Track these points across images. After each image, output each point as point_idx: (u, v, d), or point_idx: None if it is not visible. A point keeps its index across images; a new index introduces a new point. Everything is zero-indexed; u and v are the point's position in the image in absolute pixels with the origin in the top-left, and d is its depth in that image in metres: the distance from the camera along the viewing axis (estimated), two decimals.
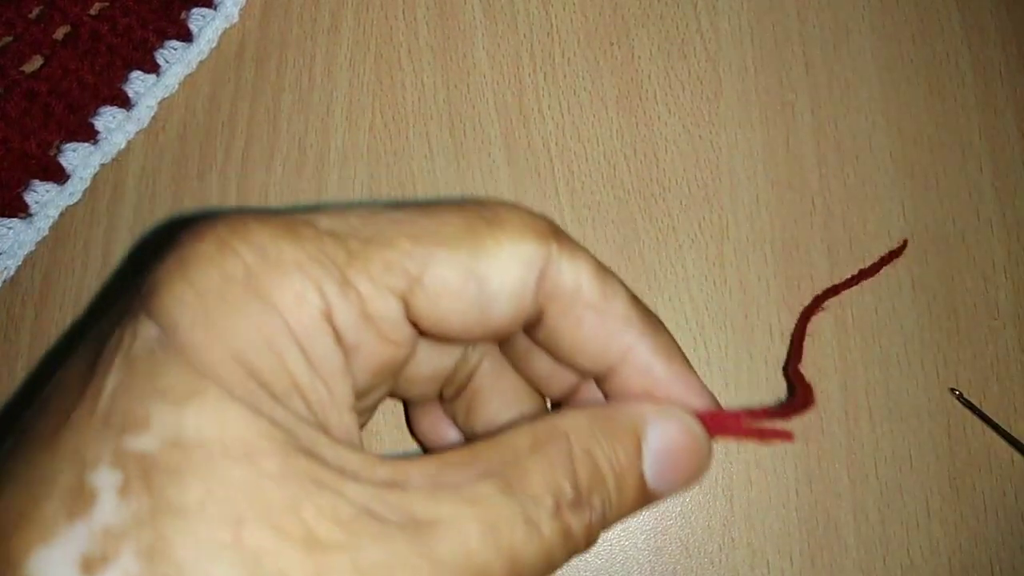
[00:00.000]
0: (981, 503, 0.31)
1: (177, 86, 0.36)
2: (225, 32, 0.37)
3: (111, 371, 0.16)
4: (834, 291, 0.32)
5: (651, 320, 0.22)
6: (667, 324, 0.32)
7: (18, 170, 0.34)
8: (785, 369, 0.31)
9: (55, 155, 0.34)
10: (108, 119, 0.35)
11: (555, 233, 0.20)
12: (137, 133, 0.35)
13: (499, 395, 0.25)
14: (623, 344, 0.21)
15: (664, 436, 0.21)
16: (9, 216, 0.33)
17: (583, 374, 0.23)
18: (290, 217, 0.19)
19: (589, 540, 0.19)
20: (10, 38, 0.35)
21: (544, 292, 0.20)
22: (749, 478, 0.31)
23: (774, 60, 0.36)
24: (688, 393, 0.22)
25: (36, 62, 0.35)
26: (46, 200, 0.34)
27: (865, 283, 0.33)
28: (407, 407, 0.29)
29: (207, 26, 0.36)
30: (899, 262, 0.33)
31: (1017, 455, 0.31)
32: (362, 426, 0.24)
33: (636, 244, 0.34)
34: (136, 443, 0.15)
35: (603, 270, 0.21)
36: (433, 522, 0.16)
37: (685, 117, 0.35)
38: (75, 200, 0.34)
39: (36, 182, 0.34)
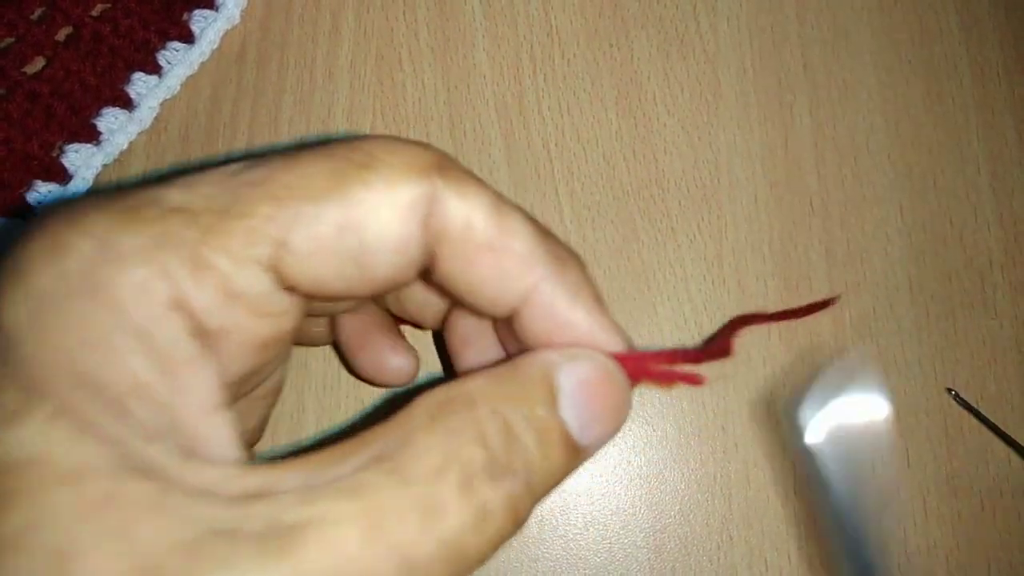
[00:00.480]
0: (978, 502, 0.31)
1: (179, 87, 0.36)
2: (226, 33, 0.37)
3: None
4: (756, 319, 0.30)
5: (558, 256, 0.20)
6: (666, 324, 0.33)
7: (20, 171, 0.34)
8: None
9: (57, 156, 0.34)
10: (110, 120, 0.35)
11: (439, 167, 0.18)
12: (139, 134, 0.36)
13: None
14: (524, 285, 0.19)
15: (577, 377, 0.19)
16: (12, 217, 0.34)
17: (490, 316, 0.21)
18: (135, 196, 0.17)
19: (517, 517, 0.16)
20: (12, 39, 0.35)
21: (431, 232, 0.18)
22: (747, 477, 0.31)
23: (773, 61, 0.36)
24: (597, 333, 0.20)
25: (38, 63, 0.35)
26: (48, 201, 0.34)
27: (863, 283, 0.33)
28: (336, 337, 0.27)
29: (209, 27, 0.36)
30: (897, 262, 0.34)
31: (1014, 454, 0.32)
32: (270, 407, 0.23)
33: (635, 244, 0.34)
34: None
35: (500, 204, 0.19)
36: (302, 527, 0.14)
37: (684, 118, 0.35)
38: None
39: (38, 183, 0.34)
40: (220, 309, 0.17)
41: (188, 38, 0.36)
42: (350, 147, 0.18)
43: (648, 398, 0.32)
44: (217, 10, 0.36)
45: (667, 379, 0.20)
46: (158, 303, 0.16)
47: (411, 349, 0.26)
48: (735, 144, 0.35)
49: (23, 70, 0.35)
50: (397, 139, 0.18)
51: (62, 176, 0.34)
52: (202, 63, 0.36)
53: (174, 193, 0.17)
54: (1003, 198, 0.34)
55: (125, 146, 0.35)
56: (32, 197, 0.34)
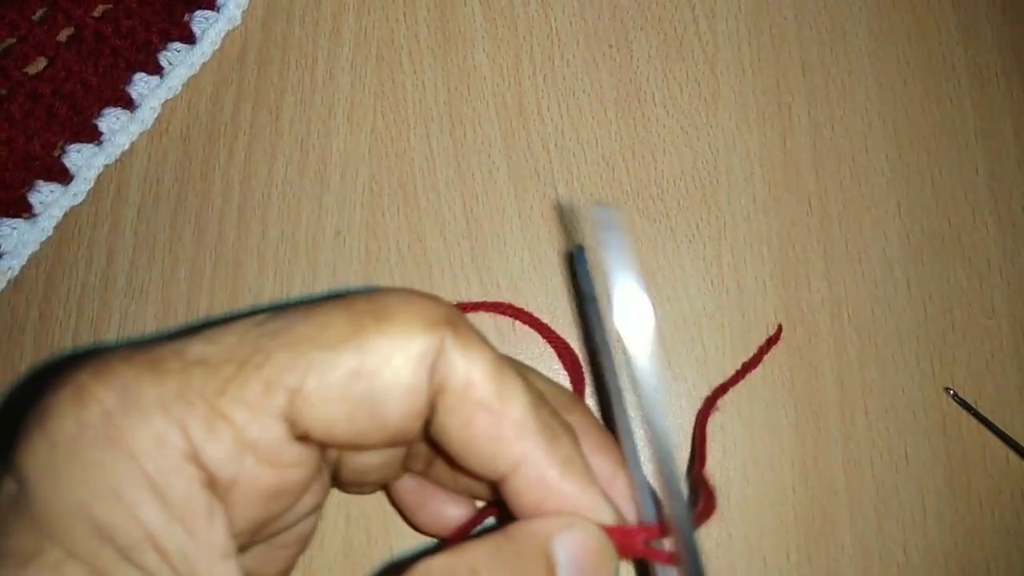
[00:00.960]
0: (976, 501, 0.31)
1: (180, 88, 0.36)
2: (228, 34, 0.37)
3: None
4: (723, 390, 0.31)
5: (550, 427, 0.20)
6: (665, 324, 0.33)
7: (22, 171, 0.34)
8: (689, 472, 0.30)
9: (59, 156, 0.34)
10: (112, 120, 0.35)
11: (449, 322, 0.19)
12: (140, 134, 0.36)
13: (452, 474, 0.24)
14: (516, 452, 0.19)
15: (572, 549, 0.19)
16: (13, 216, 0.34)
17: (477, 478, 0.21)
18: (159, 350, 0.18)
19: None
20: (14, 40, 0.35)
21: (433, 384, 0.19)
22: (746, 475, 0.31)
23: (771, 62, 0.36)
24: (588, 505, 0.20)
25: (40, 63, 0.35)
26: (50, 201, 0.34)
27: (861, 284, 0.34)
28: (390, 496, 0.28)
29: (210, 28, 0.36)
30: (895, 262, 0.34)
31: (1012, 454, 0.32)
32: (296, 555, 0.23)
33: (634, 244, 0.34)
34: None
35: (502, 368, 0.19)
36: None
37: (683, 119, 0.35)
38: (79, 201, 0.35)
39: (40, 183, 0.34)
40: (233, 460, 0.17)
41: (189, 39, 0.36)
42: (367, 300, 0.19)
43: None
44: (218, 11, 0.37)
45: (651, 557, 0.21)
46: (173, 455, 0.17)
47: (467, 499, 0.26)
48: (734, 144, 0.35)
49: (25, 70, 0.35)
50: (412, 292, 0.19)
51: (63, 176, 0.34)
52: (203, 63, 0.36)
53: (197, 345, 0.18)
54: (1001, 198, 0.35)
55: (126, 146, 0.35)
56: (34, 197, 0.34)
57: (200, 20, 0.36)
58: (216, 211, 0.35)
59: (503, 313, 0.32)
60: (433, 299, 0.19)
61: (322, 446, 0.19)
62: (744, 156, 0.35)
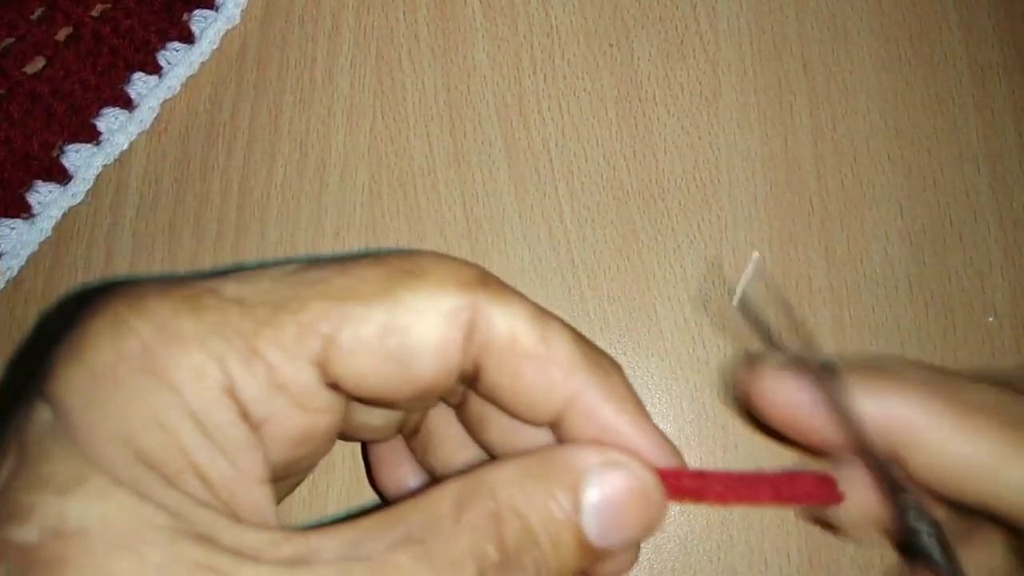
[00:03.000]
0: None
1: (179, 87, 0.36)
2: (227, 33, 0.37)
3: (6, 458, 0.16)
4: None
5: (600, 362, 0.20)
6: (665, 324, 0.33)
7: (21, 171, 0.34)
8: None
9: (57, 156, 0.34)
10: (110, 120, 0.35)
11: (482, 282, 0.19)
12: (139, 134, 0.36)
13: (450, 439, 0.24)
14: (568, 391, 0.19)
15: (607, 487, 0.18)
16: (12, 217, 0.34)
17: (533, 424, 0.21)
18: (194, 286, 0.18)
19: None
20: (12, 39, 0.35)
21: (477, 344, 0.19)
22: None
23: (773, 61, 0.36)
24: (642, 442, 0.20)
25: (38, 63, 0.35)
26: (49, 201, 0.34)
27: (862, 282, 0.33)
28: (365, 448, 0.28)
29: (209, 27, 0.36)
30: (897, 262, 0.34)
31: None
32: (290, 491, 0.24)
33: (635, 244, 0.34)
34: (17, 533, 0.15)
35: (541, 314, 0.20)
36: None
37: (684, 118, 0.35)
38: (78, 201, 0.35)
39: (39, 183, 0.34)
40: (267, 399, 0.18)
41: (188, 38, 0.36)
42: (402, 258, 0.19)
43: (649, 398, 0.32)
44: (217, 10, 0.36)
45: (712, 498, 0.20)
46: (212, 388, 0.17)
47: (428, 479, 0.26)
48: (735, 144, 0.35)
49: (23, 70, 0.35)
50: (445, 256, 0.20)
51: (62, 176, 0.34)
52: (202, 63, 0.36)
53: (233, 285, 0.18)
54: (1003, 198, 0.35)
55: (125, 146, 0.35)
56: (32, 197, 0.34)
57: (199, 19, 0.36)
58: (215, 211, 0.35)
59: None
60: (466, 262, 0.20)
61: (349, 396, 0.19)
62: (745, 156, 0.35)
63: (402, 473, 0.26)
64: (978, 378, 0.21)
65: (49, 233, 0.34)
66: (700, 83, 0.36)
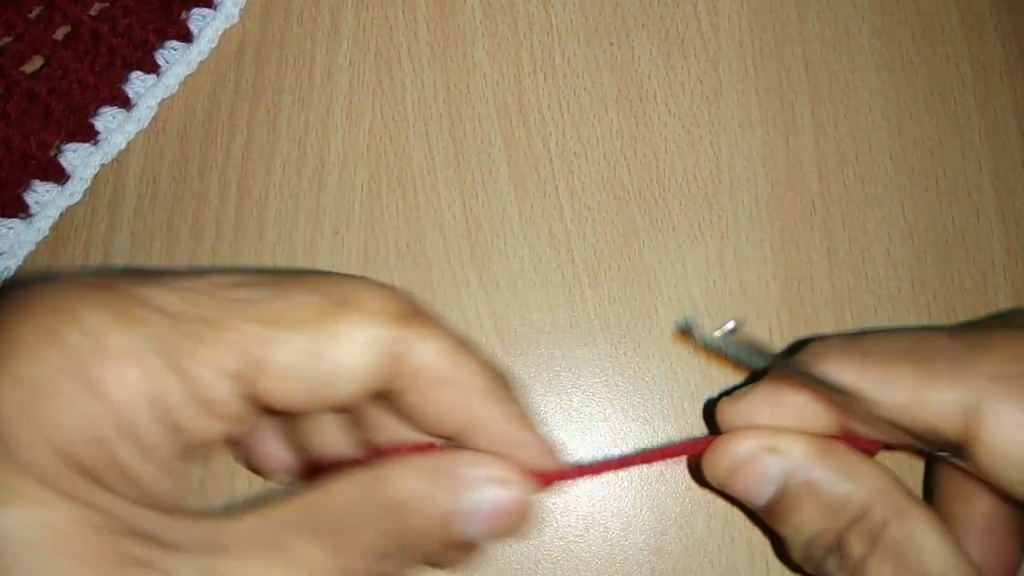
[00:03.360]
0: None
1: (177, 86, 0.36)
2: (225, 32, 0.36)
3: None
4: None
5: (502, 388, 0.23)
6: (666, 324, 0.33)
7: (18, 170, 0.34)
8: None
9: (55, 155, 0.34)
10: (108, 119, 0.35)
11: (408, 313, 0.21)
12: (137, 133, 0.35)
13: (330, 428, 0.26)
14: (474, 414, 0.22)
15: (483, 499, 0.22)
16: (9, 216, 0.33)
17: (432, 436, 0.24)
18: (127, 294, 0.19)
19: None
20: (10, 38, 0.35)
21: (397, 372, 0.21)
22: None
23: (774, 60, 0.36)
24: (532, 455, 0.23)
25: (36, 62, 0.35)
26: (46, 200, 0.34)
27: (864, 282, 0.33)
28: None
29: (207, 26, 0.36)
30: (899, 262, 0.34)
31: None
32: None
33: (636, 244, 0.34)
34: None
35: (457, 345, 0.22)
36: None
37: (685, 117, 0.35)
38: (75, 200, 0.34)
39: (36, 182, 0.34)
40: (190, 411, 0.19)
41: (186, 37, 0.36)
42: (339, 285, 0.21)
43: (649, 398, 0.32)
44: (216, 9, 0.36)
45: (589, 474, 0.25)
46: (139, 399, 0.18)
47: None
48: (736, 143, 0.35)
49: (21, 69, 0.35)
50: (379, 286, 0.21)
51: (60, 175, 0.34)
52: (200, 62, 0.36)
53: (168, 296, 0.19)
54: (1005, 197, 0.34)
55: (123, 145, 0.35)
56: (30, 197, 0.34)
57: (197, 18, 0.36)
58: (213, 211, 0.34)
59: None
60: (396, 291, 0.21)
61: (269, 411, 0.21)
62: (746, 155, 0.35)
63: (274, 451, 0.27)
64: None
65: (47, 233, 0.34)
66: (701, 82, 0.36)
